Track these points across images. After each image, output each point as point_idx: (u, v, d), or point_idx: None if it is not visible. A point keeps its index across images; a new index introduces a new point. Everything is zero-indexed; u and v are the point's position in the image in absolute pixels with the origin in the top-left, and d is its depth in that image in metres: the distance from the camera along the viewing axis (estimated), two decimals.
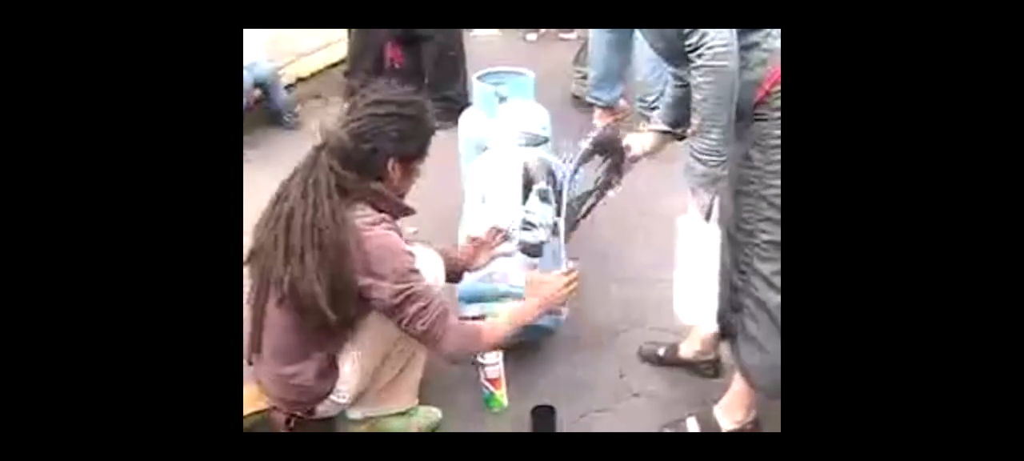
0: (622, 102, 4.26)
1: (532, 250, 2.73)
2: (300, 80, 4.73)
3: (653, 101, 3.96)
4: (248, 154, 4.14)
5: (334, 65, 4.79)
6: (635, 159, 2.56)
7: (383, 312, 2.06)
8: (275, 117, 4.45)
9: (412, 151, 2.12)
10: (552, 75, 4.44)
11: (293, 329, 2.08)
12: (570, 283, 2.32)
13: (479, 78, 3.17)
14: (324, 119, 2.10)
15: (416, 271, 2.07)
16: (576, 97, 4.42)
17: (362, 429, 2.41)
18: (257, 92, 4.36)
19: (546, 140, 2.99)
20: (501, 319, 2.27)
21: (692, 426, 2.41)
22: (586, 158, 2.46)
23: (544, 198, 2.80)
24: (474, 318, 2.68)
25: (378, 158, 2.06)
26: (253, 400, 2.37)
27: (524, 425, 2.49)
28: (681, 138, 2.44)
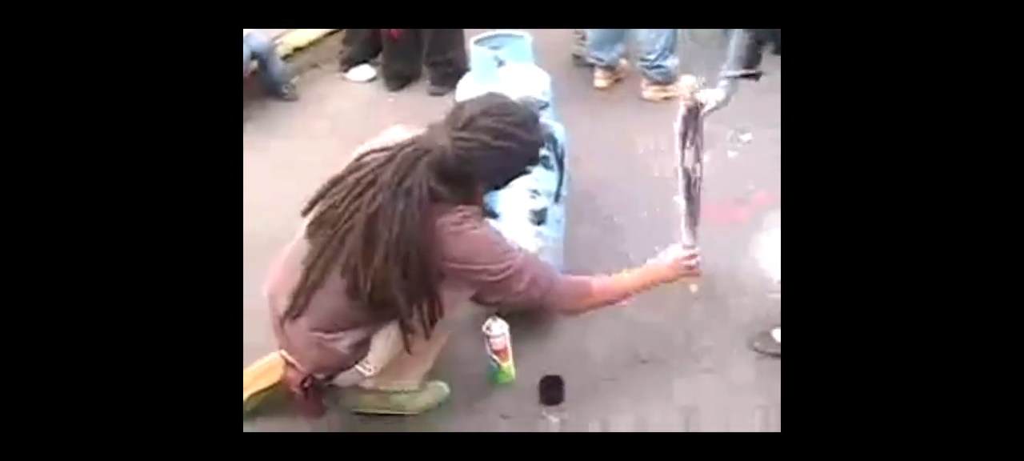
0: (623, 62, 4.19)
1: (536, 217, 2.69)
2: (297, 50, 4.66)
3: (655, 59, 3.90)
4: (246, 126, 4.10)
5: (330, 34, 4.72)
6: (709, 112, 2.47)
7: (491, 291, 2.09)
8: (272, 88, 4.39)
9: (509, 179, 2.14)
10: (551, 36, 4.36)
11: (346, 305, 2.05)
12: (691, 265, 2.33)
13: (477, 43, 3.10)
14: (435, 123, 2.04)
15: (513, 249, 2.08)
16: (576, 57, 4.35)
17: (370, 399, 2.39)
18: (253, 64, 4.29)
19: (547, 105, 2.93)
20: (611, 280, 2.29)
21: (777, 336, 2.48)
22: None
23: (546, 165, 2.75)
24: None
25: (475, 182, 2.05)
26: (263, 375, 2.34)
27: (532, 396, 2.47)
28: (756, 77, 2.39)
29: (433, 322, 2.10)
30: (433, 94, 4.18)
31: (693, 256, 2.34)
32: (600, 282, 2.26)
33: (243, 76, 4.17)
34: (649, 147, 3.68)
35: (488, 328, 2.48)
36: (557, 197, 2.75)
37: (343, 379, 2.26)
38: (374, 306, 2.02)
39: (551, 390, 2.47)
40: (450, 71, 3.94)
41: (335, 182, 2.04)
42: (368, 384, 2.31)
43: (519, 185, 2.68)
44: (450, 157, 1.95)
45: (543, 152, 2.75)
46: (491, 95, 2.10)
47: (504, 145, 1.99)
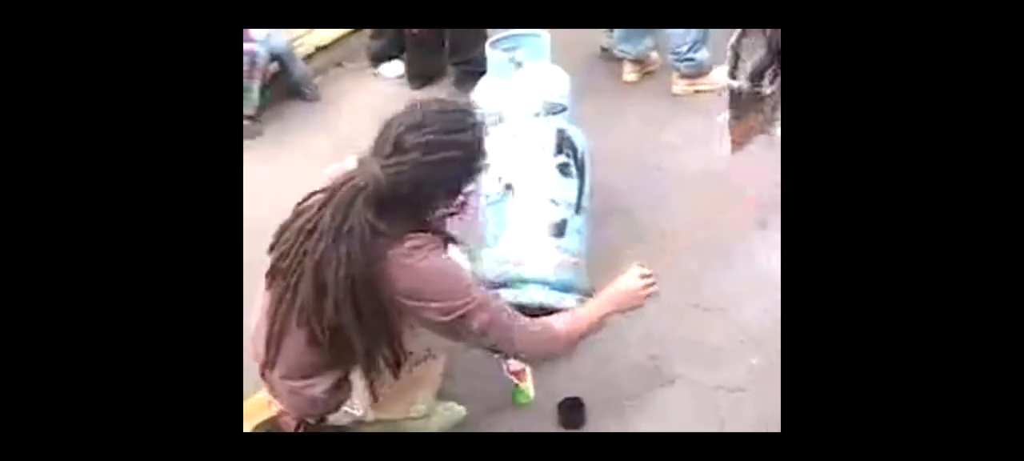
0: (652, 54, 4.03)
1: (555, 230, 2.56)
2: (319, 49, 4.57)
3: (686, 51, 3.74)
4: (272, 126, 4.08)
5: (352, 32, 4.62)
6: None
7: (442, 332, 1.93)
8: (294, 89, 4.31)
9: (461, 187, 1.94)
10: (576, 30, 4.23)
11: (313, 351, 1.94)
12: (648, 286, 2.12)
13: (492, 44, 2.97)
14: (364, 154, 1.88)
15: (471, 285, 1.92)
16: (604, 50, 4.20)
17: (378, 430, 2.28)
18: (274, 66, 4.22)
19: (564, 108, 2.79)
20: (578, 316, 2.10)
21: None
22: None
23: (565, 172, 2.63)
24: None
25: (422, 206, 1.90)
26: (263, 406, 2.26)
27: (551, 418, 2.36)
28: None
29: (397, 363, 1.97)
30: (455, 94, 4.07)
31: (650, 279, 2.13)
32: (564, 322, 2.07)
33: (265, 78, 4.12)
34: (679, 144, 3.53)
35: None
36: (578, 208, 2.62)
37: (336, 420, 2.15)
38: (337, 351, 1.91)
39: (571, 413, 2.35)
40: (471, 71, 3.82)
41: (284, 229, 1.92)
42: (371, 416, 2.21)
43: (538, 194, 2.56)
44: (384, 187, 1.80)
45: (562, 159, 2.63)
46: (412, 106, 1.90)
47: (439, 157, 1.82)
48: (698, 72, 3.77)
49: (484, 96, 2.98)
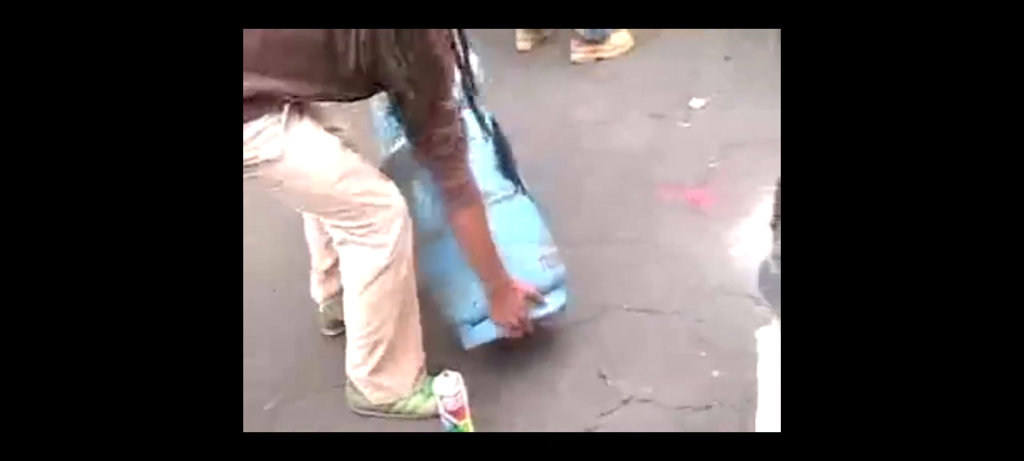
0: None
1: (549, 263, 2.24)
2: None
3: None
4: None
5: None
6: None
7: (414, 108, 1.95)
8: None
9: None
10: None
11: None
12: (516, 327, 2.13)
13: None
14: None
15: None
16: None
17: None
18: None
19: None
20: (490, 244, 2.03)
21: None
22: None
23: (506, 172, 2.27)
24: None
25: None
26: None
27: None
28: None
29: None
30: None
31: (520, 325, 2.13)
32: (477, 222, 2.01)
33: None
34: (586, 118, 3.24)
35: (438, 386, 2.03)
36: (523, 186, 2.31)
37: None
38: None
39: None
40: None
41: None
42: (374, 398, 2.17)
43: (526, 244, 2.20)
44: None
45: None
46: None
47: None
48: (599, 37, 3.48)
49: None
